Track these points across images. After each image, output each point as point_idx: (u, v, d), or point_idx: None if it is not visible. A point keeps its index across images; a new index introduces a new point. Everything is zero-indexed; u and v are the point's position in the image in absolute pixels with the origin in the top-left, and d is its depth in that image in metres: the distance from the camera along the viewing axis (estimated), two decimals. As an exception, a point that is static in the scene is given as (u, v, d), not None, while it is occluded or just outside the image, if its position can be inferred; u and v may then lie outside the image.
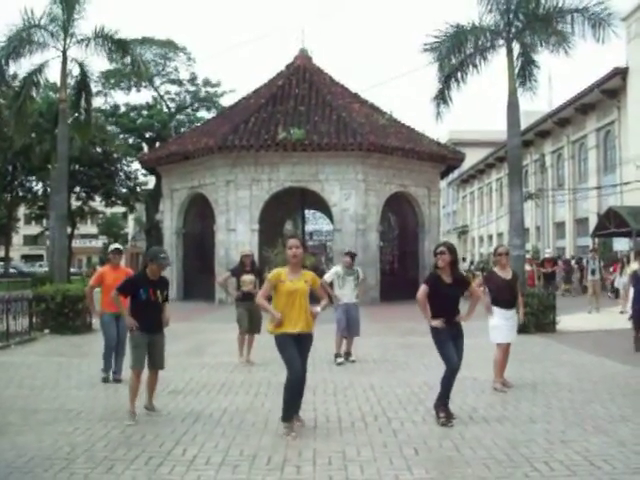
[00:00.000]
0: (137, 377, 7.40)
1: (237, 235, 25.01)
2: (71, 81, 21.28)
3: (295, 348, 6.62)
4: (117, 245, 10.51)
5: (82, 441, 6.37)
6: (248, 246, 17.63)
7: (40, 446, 6.18)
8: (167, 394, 8.56)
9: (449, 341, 7.16)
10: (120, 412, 7.52)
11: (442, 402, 7.14)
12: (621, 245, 31.20)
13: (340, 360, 11.18)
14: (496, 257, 9.14)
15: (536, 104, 23.53)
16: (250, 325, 11.29)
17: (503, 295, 8.77)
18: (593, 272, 20.44)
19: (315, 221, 34.71)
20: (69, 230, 37.97)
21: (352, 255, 11.77)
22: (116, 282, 9.48)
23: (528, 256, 24.95)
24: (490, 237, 57.93)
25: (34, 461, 5.73)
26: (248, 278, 11.33)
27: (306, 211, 30.21)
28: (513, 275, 9.04)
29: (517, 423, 6.97)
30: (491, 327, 8.88)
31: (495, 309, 8.82)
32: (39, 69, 20.14)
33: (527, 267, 20.85)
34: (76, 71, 21.38)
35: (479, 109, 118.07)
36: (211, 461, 5.74)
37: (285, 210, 31.97)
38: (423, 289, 7.22)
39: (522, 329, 14.83)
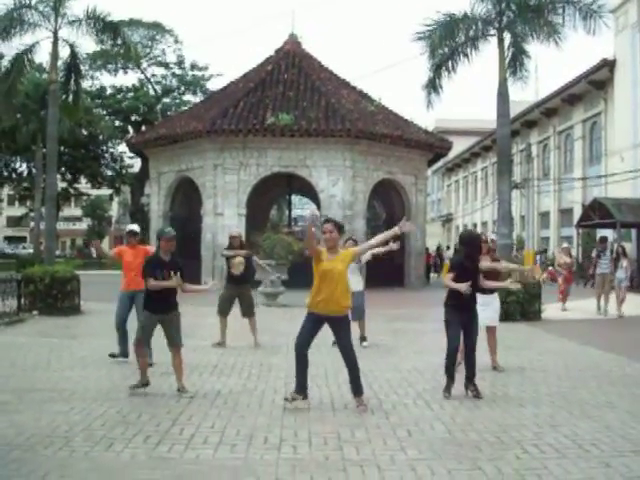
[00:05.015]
0: (138, 354, 7.66)
1: (224, 219, 25.03)
2: (60, 62, 21.13)
3: (312, 326, 7.08)
4: (133, 227, 9.94)
5: (79, 420, 6.43)
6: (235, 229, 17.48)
7: (38, 424, 6.23)
8: (160, 375, 8.62)
9: None
10: (114, 392, 7.61)
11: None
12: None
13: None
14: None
15: (523, 94, 23.64)
16: (243, 310, 11.33)
17: None
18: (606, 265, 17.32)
19: (301, 206, 34.80)
20: (54, 212, 37.72)
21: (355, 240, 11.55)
22: (135, 259, 9.41)
23: (566, 245, 20.66)
24: (475, 226, 58.20)
25: (33, 439, 5.78)
26: (238, 260, 11.13)
27: (292, 196, 30.23)
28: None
29: (507, 407, 7.11)
30: None
31: None
32: (29, 49, 19.97)
33: (567, 259, 18.67)
34: (66, 52, 21.27)
35: (465, 97, 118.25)
36: (209, 440, 5.82)
37: (272, 195, 31.96)
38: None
39: (508, 317, 15.11)
